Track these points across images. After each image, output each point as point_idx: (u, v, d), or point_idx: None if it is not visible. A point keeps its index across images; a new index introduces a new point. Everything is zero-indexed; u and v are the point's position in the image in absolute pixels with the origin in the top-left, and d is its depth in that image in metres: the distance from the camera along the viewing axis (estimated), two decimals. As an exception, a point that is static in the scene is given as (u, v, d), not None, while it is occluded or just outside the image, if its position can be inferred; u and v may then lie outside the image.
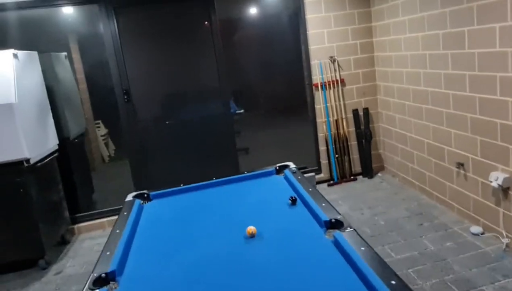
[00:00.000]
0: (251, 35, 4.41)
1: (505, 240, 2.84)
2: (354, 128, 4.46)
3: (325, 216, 2.04)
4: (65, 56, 4.28)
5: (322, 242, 1.91)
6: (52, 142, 3.82)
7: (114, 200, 4.22)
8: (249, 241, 1.98)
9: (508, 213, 2.80)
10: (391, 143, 4.33)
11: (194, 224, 2.25)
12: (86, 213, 4.23)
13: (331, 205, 2.18)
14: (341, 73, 4.29)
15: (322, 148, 4.47)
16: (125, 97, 4.12)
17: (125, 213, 2.39)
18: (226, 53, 4.19)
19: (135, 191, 2.75)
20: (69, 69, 4.37)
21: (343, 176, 4.51)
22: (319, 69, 4.24)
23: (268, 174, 2.88)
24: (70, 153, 4.20)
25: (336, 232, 1.88)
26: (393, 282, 1.46)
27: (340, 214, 2.06)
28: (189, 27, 4.13)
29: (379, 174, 4.57)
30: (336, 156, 4.46)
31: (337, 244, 1.83)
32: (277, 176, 2.85)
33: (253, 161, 4.73)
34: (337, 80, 4.29)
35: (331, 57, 4.22)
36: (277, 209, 2.31)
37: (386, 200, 3.91)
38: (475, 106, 2.92)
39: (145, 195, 2.68)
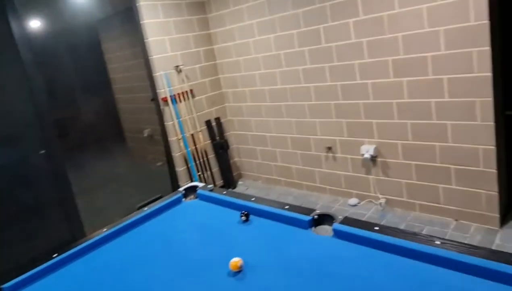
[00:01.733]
0: (74, 48, 3.50)
1: (381, 201, 3.31)
2: (210, 141, 4.25)
3: (304, 216, 1.78)
4: None
5: (323, 242, 1.65)
6: None
7: None
8: (240, 276, 1.49)
9: (378, 177, 3.28)
10: (247, 149, 4.36)
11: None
12: None
13: (295, 205, 1.94)
14: (189, 83, 4.00)
15: (181, 168, 4.03)
16: None
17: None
18: (43, 74, 3.16)
19: None
20: None
21: (208, 192, 4.19)
22: (166, 81, 3.81)
23: (176, 202, 2.32)
24: None
25: (334, 225, 1.67)
26: (438, 242, 1.41)
27: (315, 209, 1.84)
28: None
29: (240, 182, 4.52)
30: (199, 173, 4.11)
31: (343, 235, 1.62)
32: (188, 201, 2.34)
33: (95, 208, 3.74)
34: (186, 92, 3.97)
35: (177, 66, 3.87)
36: (232, 231, 1.87)
37: (263, 203, 3.88)
38: (337, 94, 3.28)
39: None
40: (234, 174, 4.51)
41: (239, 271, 1.53)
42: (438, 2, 2.56)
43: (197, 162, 4.12)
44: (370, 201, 3.42)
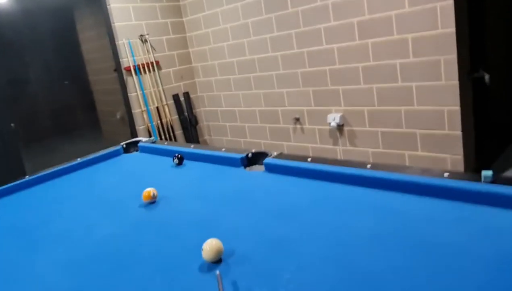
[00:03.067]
0: (35, 20, 3.33)
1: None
2: (177, 116, 4.09)
3: (237, 155, 1.63)
4: None
5: (252, 176, 1.50)
6: None
7: None
8: (151, 207, 1.34)
9: (345, 147, 3.14)
10: (218, 125, 4.20)
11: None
12: None
13: (233, 148, 1.80)
14: (155, 54, 3.85)
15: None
16: None
17: None
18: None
19: None
20: None
21: (175, 169, 4.02)
22: (129, 50, 3.66)
23: (115, 154, 2.17)
24: None
25: (266, 160, 1.52)
26: (369, 166, 1.27)
27: (251, 150, 1.69)
28: None
29: (210, 161, 4.35)
30: (164, 148, 3.94)
31: (274, 168, 1.47)
32: (129, 154, 2.20)
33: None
34: (152, 63, 3.82)
35: (142, 36, 3.72)
36: (163, 175, 1.72)
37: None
38: (304, 61, 3.15)
39: None
40: (204, 153, 4.34)
41: (152, 201, 1.37)
42: (403, -44, 2.44)
43: (163, 137, 3.95)
44: (338, 175, 3.26)
